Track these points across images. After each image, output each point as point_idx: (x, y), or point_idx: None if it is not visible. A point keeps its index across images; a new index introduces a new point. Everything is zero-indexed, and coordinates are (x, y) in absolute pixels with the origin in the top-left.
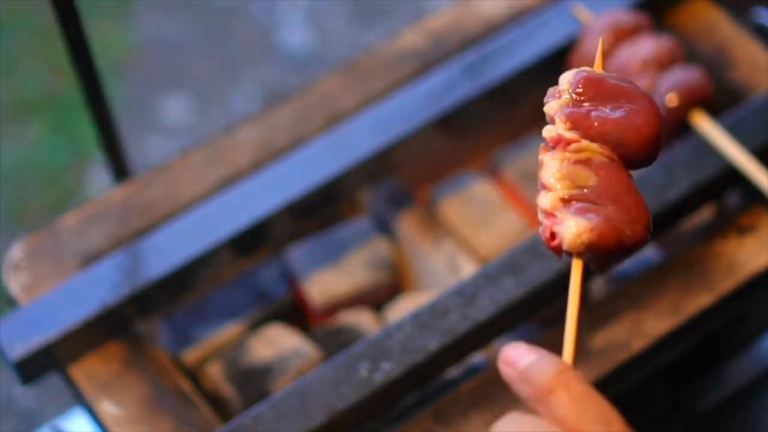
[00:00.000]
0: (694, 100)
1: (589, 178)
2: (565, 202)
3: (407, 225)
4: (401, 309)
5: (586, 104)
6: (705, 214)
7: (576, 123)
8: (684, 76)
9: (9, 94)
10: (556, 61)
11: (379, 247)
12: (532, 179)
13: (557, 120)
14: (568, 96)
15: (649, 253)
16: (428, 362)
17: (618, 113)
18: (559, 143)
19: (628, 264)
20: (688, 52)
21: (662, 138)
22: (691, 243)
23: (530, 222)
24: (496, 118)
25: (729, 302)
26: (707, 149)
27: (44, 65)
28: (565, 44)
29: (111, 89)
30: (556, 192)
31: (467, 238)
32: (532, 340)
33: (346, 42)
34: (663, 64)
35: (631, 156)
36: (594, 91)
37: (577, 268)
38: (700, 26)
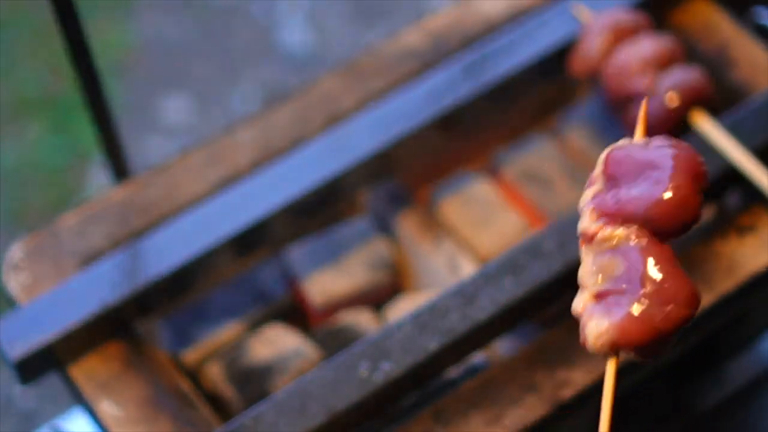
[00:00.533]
0: (694, 99)
1: (619, 266)
2: (598, 297)
3: (407, 225)
4: (401, 309)
5: (614, 187)
6: (705, 213)
7: (602, 211)
8: (684, 75)
9: (9, 94)
10: (556, 61)
11: (379, 247)
12: (532, 179)
13: (585, 213)
14: (599, 184)
15: None
16: (428, 362)
17: (642, 188)
18: (587, 237)
19: None
20: (688, 52)
21: (696, 198)
22: (691, 243)
23: (530, 222)
24: (496, 118)
25: (729, 302)
26: (707, 149)
27: (44, 65)
28: (565, 44)
29: (111, 89)
30: (588, 289)
31: (467, 238)
32: (532, 339)
33: (346, 42)
34: (663, 63)
35: (662, 228)
36: (623, 168)
37: (610, 369)
38: (700, 26)
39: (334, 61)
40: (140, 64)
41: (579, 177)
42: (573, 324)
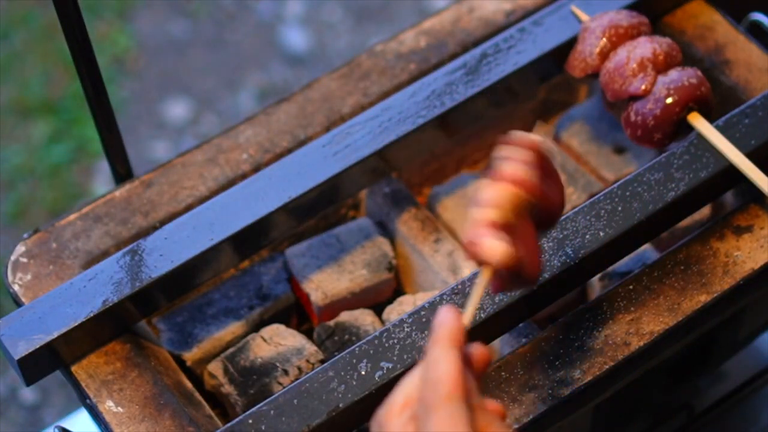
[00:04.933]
0: (691, 101)
1: None
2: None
3: (407, 225)
4: (401, 309)
5: None
6: (702, 213)
7: None
8: (682, 77)
9: (12, 95)
10: (555, 61)
11: (379, 247)
12: None
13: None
14: None
15: (647, 252)
16: None
17: None
18: None
19: (626, 263)
20: (685, 54)
21: None
22: (689, 242)
23: None
24: (496, 118)
25: (726, 301)
26: (705, 150)
27: (47, 66)
28: (565, 44)
29: (112, 90)
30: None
31: None
32: (532, 339)
33: (346, 42)
34: (661, 65)
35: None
36: None
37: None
38: (697, 28)
39: (334, 61)
40: (141, 64)
41: (578, 177)
42: (572, 323)
